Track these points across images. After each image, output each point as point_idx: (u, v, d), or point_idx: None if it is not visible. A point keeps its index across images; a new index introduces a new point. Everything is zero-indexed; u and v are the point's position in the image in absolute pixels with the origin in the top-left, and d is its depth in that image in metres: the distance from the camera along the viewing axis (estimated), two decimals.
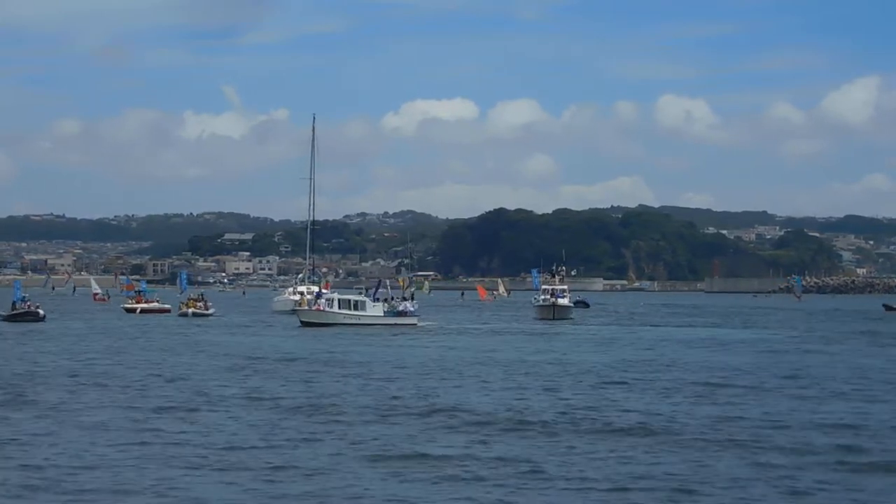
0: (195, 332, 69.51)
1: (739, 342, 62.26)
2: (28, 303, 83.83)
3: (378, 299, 75.28)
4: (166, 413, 28.78)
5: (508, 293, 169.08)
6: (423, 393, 33.31)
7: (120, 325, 78.25)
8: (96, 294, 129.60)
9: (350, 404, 30.42)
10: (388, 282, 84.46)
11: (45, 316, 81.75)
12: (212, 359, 47.01)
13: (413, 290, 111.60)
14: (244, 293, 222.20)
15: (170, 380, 37.50)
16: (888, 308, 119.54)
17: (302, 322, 73.88)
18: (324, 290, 79.56)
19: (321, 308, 73.93)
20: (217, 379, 37.85)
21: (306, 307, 75.51)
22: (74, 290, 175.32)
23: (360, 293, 78.76)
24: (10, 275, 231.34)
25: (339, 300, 74.68)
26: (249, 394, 33.17)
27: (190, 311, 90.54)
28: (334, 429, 25.93)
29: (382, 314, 73.11)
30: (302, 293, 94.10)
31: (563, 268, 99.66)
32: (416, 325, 73.02)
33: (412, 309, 75.20)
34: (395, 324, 71.92)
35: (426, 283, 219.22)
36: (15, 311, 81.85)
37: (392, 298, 76.95)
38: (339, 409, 29.35)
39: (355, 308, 73.26)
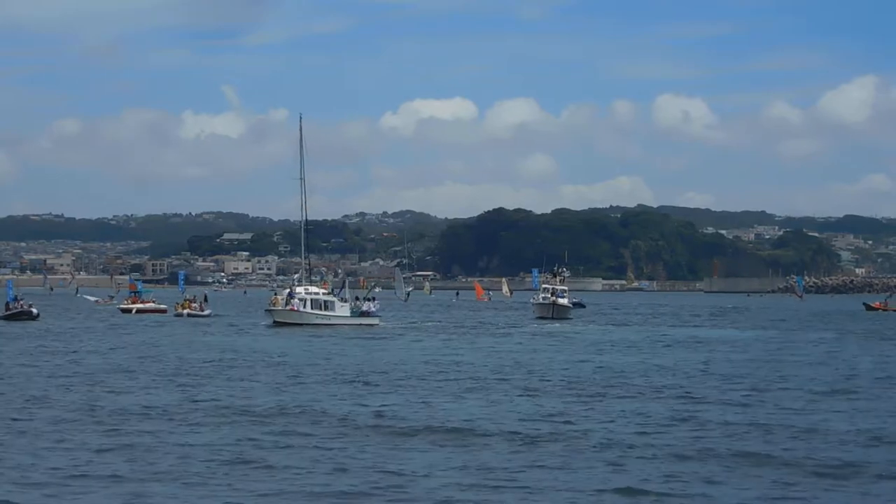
0: (170, 332, 68.73)
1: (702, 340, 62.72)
2: (21, 302, 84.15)
3: (344, 299, 76.34)
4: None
5: (510, 293, 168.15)
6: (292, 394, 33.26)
7: (99, 325, 77.65)
8: (98, 300, 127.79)
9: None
10: (347, 281, 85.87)
11: (38, 315, 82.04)
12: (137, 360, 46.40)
13: (405, 288, 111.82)
14: (245, 292, 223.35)
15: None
16: (868, 307, 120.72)
17: (275, 322, 74.25)
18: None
19: (294, 308, 74.24)
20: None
21: (280, 307, 75.68)
22: (77, 290, 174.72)
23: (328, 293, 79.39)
24: (6, 275, 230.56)
25: (311, 300, 75.12)
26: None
27: (185, 311, 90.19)
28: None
29: (349, 314, 74.66)
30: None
31: (565, 268, 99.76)
32: (377, 325, 74.32)
33: (374, 309, 76.73)
34: (360, 324, 73.34)
35: (427, 283, 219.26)
36: (10, 311, 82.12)
37: (357, 299, 78.56)
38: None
39: (325, 308, 74.36)
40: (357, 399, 31.98)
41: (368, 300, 78.59)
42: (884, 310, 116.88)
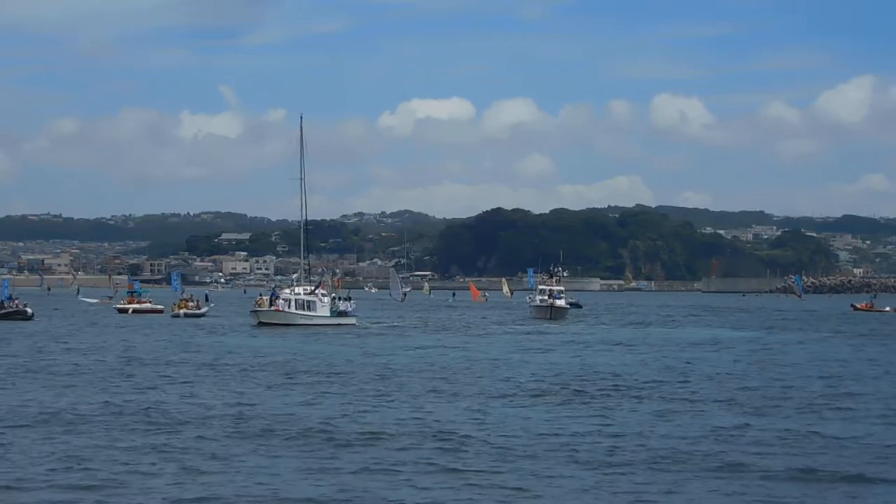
0: (155, 332, 68.32)
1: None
2: (16, 301, 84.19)
3: (322, 300, 77.36)
4: None
5: (511, 293, 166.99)
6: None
7: (87, 325, 77.26)
8: (99, 301, 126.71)
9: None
10: (322, 281, 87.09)
11: (33, 315, 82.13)
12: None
13: (403, 289, 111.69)
14: (245, 291, 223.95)
15: None
16: (855, 308, 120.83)
17: (260, 322, 74.16)
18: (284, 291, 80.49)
19: (279, 309, 74.07)
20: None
21: (266, 308, 75.64)
22: (79, 291, 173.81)
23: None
24: (3, 274, 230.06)
25: (294, 301, 75.52)
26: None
27: (182, 311, 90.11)
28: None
29: (329, 314, 75.51)
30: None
31: (561, 268, 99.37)
32: (354, 324, 75.34)
33: (350, 309, 77.95)
34: (339, 324, 74.28)
35: (426, 284, 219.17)
36: (4, 310, 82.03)
37: (338, 299, 79.67)
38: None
39: (307, 308, 74.99)
40: (309, 404, 31.09)
41: (345, 300, 79.54)
42: (869, 310, 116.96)
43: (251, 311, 78.11)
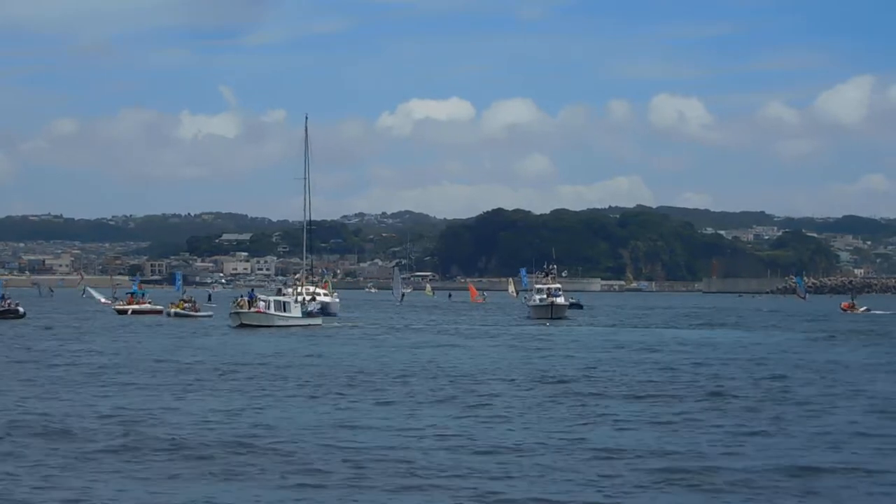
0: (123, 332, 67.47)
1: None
2: (8, 301, 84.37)
3: (296, 300, 78.83)
4: None
5: (517, 294, 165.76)
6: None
7: (73, 326, 76.75)
8: (104, 300, 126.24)
9: None
10: (298, 280, 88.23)
11: (25, 314, 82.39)
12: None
13: (402, 290, 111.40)
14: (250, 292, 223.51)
15: None
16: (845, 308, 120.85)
17: (242, 324, 74.02)
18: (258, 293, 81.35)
19: (261, 310, 74.66)
20: None
21: (245, 309, 75.53)
22: (84, 291, 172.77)
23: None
24: (3, 274, 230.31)
25: (273, 302, 76.53)
26: None
27: (172, 310, 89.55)
28: None
29: (301, 315, 76.51)
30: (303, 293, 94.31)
31: (555, 266, 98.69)
32: (320, 325, 76.29)
33: (317, 310, 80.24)
34: (308, 324, 75.21)
35: (427, 284, 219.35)
36: None
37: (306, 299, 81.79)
38: None
39: (284, 309, 75.78)
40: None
41: (311, 300, 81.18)
42: (847, 310, 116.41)
43: (231, 314, 76.99)
